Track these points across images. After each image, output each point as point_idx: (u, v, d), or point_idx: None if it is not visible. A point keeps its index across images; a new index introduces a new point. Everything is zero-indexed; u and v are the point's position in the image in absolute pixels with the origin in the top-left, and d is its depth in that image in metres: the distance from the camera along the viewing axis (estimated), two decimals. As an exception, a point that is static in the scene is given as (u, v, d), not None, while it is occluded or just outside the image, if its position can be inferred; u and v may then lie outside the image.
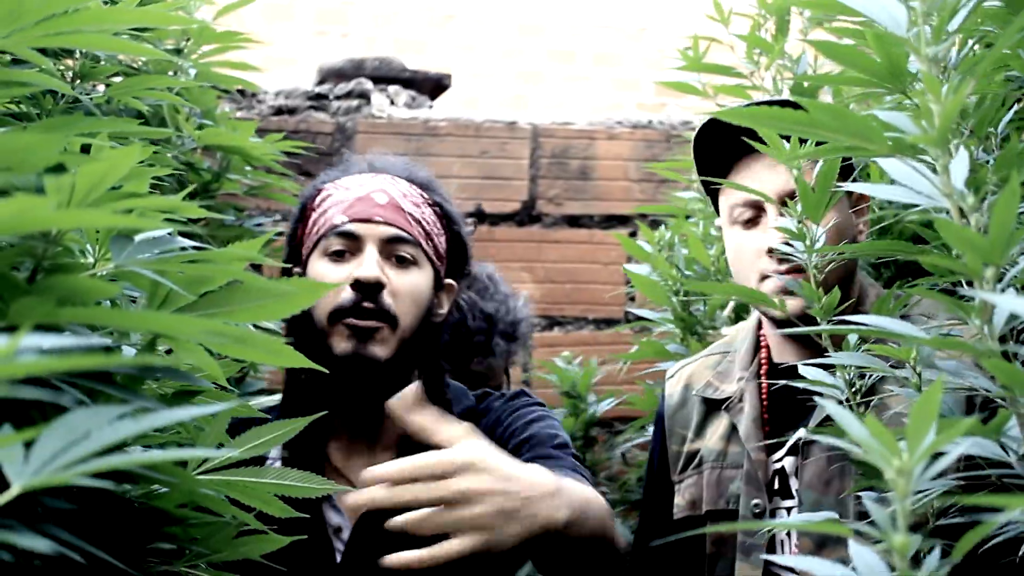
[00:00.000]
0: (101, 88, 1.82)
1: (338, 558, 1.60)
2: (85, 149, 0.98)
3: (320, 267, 1.66)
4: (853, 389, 1.15)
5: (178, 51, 2.11)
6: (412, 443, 1.43)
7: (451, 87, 3.85)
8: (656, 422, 2.04)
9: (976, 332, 0.78)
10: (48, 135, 0.66)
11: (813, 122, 0.73)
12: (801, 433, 1.72)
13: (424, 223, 1.69)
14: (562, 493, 1.25)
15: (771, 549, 1.78)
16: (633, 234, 3.66)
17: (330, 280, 1.61)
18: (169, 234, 0.89)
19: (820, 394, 1.16)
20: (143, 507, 0.87)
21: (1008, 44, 0.85)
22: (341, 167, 1.79)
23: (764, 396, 1.83)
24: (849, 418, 0.64)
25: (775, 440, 1.77)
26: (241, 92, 3.34)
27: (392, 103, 3.56)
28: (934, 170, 0.80)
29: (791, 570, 1.73)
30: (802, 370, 1.21)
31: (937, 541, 0.70)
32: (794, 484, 1.75)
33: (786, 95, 2.14)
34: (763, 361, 1.86)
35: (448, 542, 1.16)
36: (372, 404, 1.61)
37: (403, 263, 1.66)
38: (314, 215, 1.71)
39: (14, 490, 0.56)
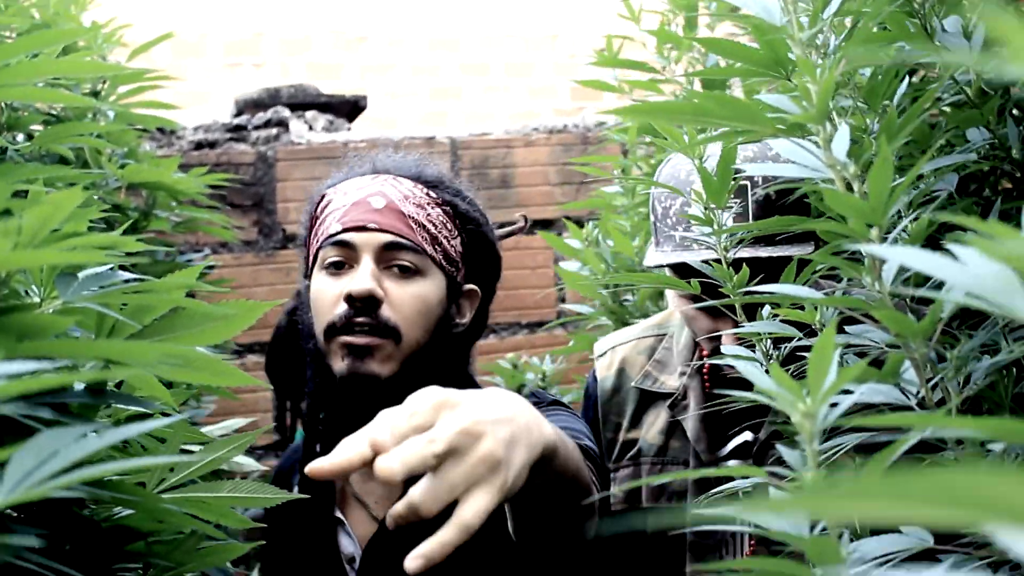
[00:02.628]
0: (20, 137, 1.85)
1: None
2: (16, 195, 1.02)
3: (318, 281, 1.55)
4: (770, 360, 1.21)
5: (95, 94, 2.15)
6: None
7: (368, 108, 3.89)
8: (587, 403, 2.01)
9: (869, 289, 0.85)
10: (-9, 181, 0.71)
11: (704, 111, 0.80)
12: (747, 436, 1.74)
13: (430, 226, 1.54)
14: (536, 411, 1.00)
15: (722, 550, 1.79)
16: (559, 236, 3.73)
17: (326, 297, 1.51)
18: (110, 269, 0.93)
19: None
20: (108, 527, 0.91)
21: (874, 20, 0.92)
22: (346, 169, 1.65)
23: (706, 390, 1.82)
24: (755, 372, 0.70)
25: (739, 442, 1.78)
26: (160, 130, 3.36)
27: (311, 128, 3.60)
28: (818, 146, 0.87)
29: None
30: (723, 349, 1.27)
31: (847, 473, 0.76)
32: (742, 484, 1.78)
33: (697, 87, 2.22)
34: (704, 354, 1.83)
35: (464, 506, 0.84)
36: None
37: (405, 272, 1.51)
38: (316, 224, 1.59)
39: (-3, 505, 0.60)
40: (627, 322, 2.73)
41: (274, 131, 3.49)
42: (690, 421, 1.81)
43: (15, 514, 0.83)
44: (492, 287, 1.65)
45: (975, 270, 0.55)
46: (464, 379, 1.59)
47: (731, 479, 1.06)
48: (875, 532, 0.86)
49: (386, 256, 1.51)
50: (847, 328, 1.15)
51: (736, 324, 1.39)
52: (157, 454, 0.97)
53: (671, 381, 1.88)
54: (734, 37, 1.84)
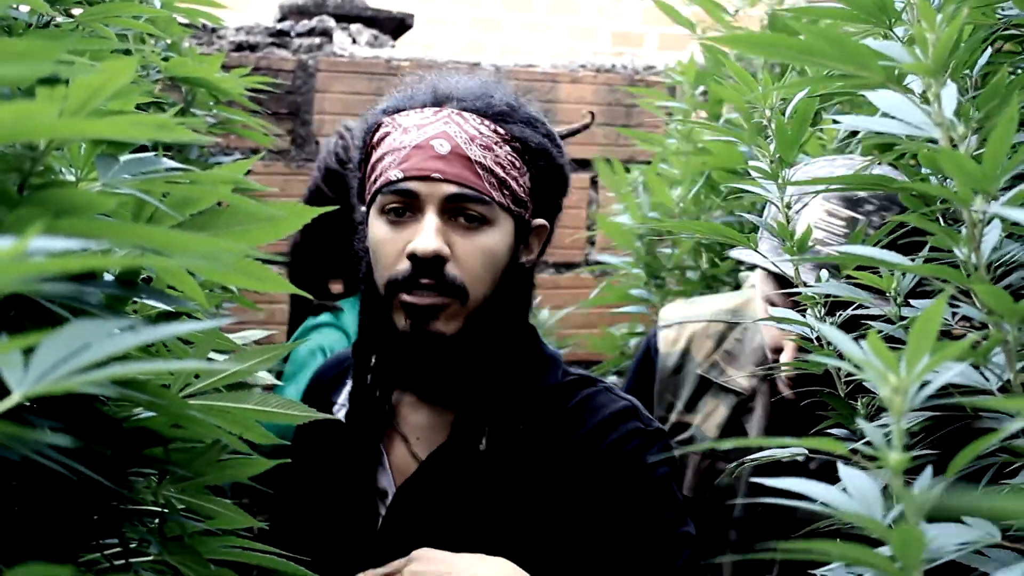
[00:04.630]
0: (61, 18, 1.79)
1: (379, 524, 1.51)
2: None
3: (377, 228, 1.46)
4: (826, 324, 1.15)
5: (141, -19, 2.07)
6: (472, 404, 1.45)
7: (413, 27, 3.81)
8: (640, 369, 1.97)
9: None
10: (45, 42, 0.64)
11: (810, 49, 0.73)
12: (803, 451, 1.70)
13: (498, 169, 1.43)
14: None
15: (770, 529, 1.76)
16: (594, 179, 3.66)
17: (388, 249, 1.43)
18: (154, 154, 0.88)
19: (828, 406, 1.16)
20: (128, 428, 0.86)
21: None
22: (403, 92, 1.52)
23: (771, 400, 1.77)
24: (844, 339, 0.64)
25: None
26: (203, 27, 3.28)
27: (354, 41, 3.52)
28: (922, 103, 0.80)
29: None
30: (770, 311, 1.22)
31: (928, 459, 0.71)
32: None
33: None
34: (773, 358, 1.75)
35: None
36: (441, 377, 1.48)
37: (472, 222, 1.42)
38: (373, 157, 1.49)
39: (15, 397, 0.56)
40: (658, 275, 2.67)
41: (317, 40, 3.41)
42: (754, 427, 1.77)
43: (31, 404, 0.79)
44: (558, 213, 1.57)
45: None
46: (526, 333, 1.54)
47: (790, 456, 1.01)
48: (930, 520, 0.81)
49: (451, 207, 1.41)
50: (912, 302, 1.09)
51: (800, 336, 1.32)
52: (184, 358, 0.92)
53: (739, 378, 1.82)
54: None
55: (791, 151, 1.09)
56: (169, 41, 2.19)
